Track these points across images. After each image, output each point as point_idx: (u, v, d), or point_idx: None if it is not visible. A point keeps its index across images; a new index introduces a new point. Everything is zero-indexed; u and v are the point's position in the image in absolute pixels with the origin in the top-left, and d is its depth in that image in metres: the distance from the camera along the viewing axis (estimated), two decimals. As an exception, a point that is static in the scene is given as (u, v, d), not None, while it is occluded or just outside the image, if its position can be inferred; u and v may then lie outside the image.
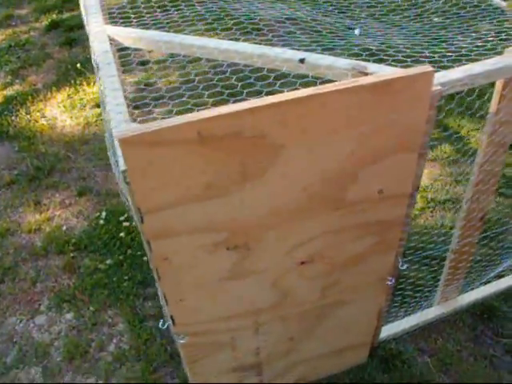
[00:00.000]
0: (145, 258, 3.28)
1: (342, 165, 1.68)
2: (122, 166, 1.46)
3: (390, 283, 2.27)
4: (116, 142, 1.55)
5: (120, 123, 1.62)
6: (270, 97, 1.45)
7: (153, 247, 1.64)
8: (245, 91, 1.79)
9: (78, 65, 5.00)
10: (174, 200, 1.54)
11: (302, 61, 1.82)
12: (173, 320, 1.94)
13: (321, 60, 1.82)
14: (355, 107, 1.55)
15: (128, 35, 2.12)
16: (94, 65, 2.55)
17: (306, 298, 2.15)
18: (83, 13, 2.73)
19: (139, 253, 3.32)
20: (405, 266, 2.22)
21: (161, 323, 2.05)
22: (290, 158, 1.58)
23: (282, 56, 1.85)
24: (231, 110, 1.40)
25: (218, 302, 1.97)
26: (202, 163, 1.48)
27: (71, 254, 3.39)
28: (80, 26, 5.92)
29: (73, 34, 5.81)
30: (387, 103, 1.58)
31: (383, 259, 2.15)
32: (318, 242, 1.91)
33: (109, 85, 1.80)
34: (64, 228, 3.57)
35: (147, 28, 2.48)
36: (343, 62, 1.82)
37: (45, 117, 4.58)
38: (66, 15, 6.21)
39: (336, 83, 1.50)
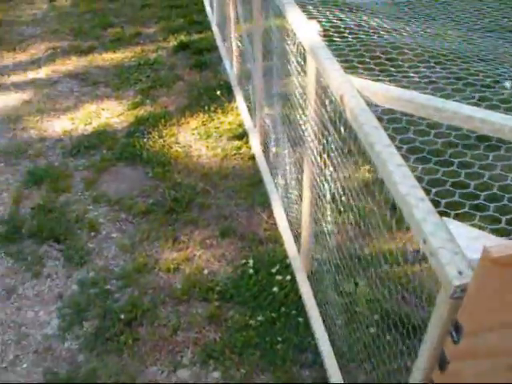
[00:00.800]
0: (300, 319, 2.98)
1: None
2: (455, 279, 1.16)
3: None
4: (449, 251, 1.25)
5: (436, 224, 1.30)
6: None
7: (449, 368, 1.32)
8: None
9: (218, 92, 4.79)
10: (502, 322, 1.23)
11: None
12: None
13: None
14: None
15: (381, 92, 1.83)
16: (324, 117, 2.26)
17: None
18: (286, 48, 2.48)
19: (294, 312, 3.02)
20: None
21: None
22: None
23: None
24: None
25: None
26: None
27: (216, 303, 3.11)
28: (209, 48, 5.79)
29: (202, 57, 5.64)
30: None
31: None
32: None
33: (388, 156, 1.51)
34: (206, 272, 3.31)
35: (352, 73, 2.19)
36: None
37: (178, 143, 4.37)
38: (194, 37, 6.07)
39: None
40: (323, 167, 2.31)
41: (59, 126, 4.80)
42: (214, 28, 6.16)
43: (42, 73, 5.72)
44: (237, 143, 4.28)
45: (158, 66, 5.55)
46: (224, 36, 5.65)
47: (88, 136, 4.60)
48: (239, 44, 4.73)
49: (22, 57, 6.08)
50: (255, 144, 4.15)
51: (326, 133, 2.15)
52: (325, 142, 2.19)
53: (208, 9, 6.75)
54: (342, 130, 1.86)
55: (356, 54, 2.23)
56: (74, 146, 4.47)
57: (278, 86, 3.29)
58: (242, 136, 4.36)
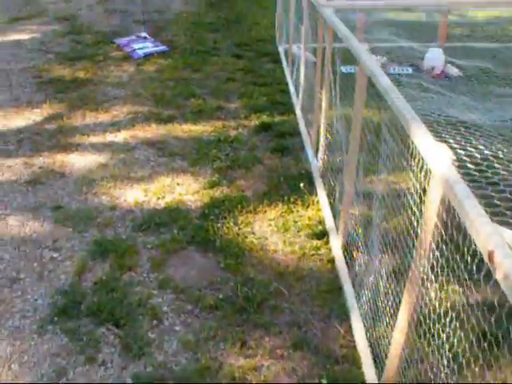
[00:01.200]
0: None
1: None
2: None
3: None
4: None
5: None
6: None
7: None
8: None
9: (301, 184, 4.56)
10: None
11: None
12: None
13: None
14: None
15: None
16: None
17: None
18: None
19: None
20: None
21: None
22: None
23: None
24: None
25: None
26: None
27: (282, 427, 2.79)
28: (291, 133, 5.65)
29: (284, 140, 5.47)
30: None
31: None
32: None
33: None
34: (274, 387, 3.00)
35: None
36: None
37: (254, 233, 4.14)
38: (276, 118, 5.93)
39: None
40: (437, 310, 2.02)
41: (131, 195, 4.67)
42: (298, 111, 6.03)
43: (121, 136, 5.67)
44: (316, 242, 4.00)
45: (238, 145, 5.41)
46: (308, 121, 5.50)
47: (160, 211, 4.44)
48: (327, 133, 4.54)
49: (103, 117, 6.09)
50: (336, 246, 3.87)
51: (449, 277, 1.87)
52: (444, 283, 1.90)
53: (292, 90, 6.66)
54: (488, 291, 1.57)
55: (500, 196, 1.94)
56: (145, 221, 4.30)
57: (380, 189, 3.02)
58: (323, 235, 4.08)
